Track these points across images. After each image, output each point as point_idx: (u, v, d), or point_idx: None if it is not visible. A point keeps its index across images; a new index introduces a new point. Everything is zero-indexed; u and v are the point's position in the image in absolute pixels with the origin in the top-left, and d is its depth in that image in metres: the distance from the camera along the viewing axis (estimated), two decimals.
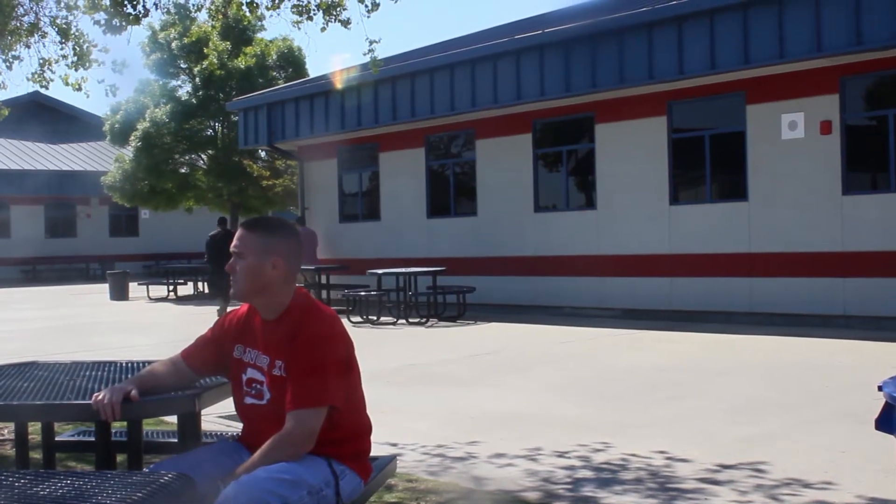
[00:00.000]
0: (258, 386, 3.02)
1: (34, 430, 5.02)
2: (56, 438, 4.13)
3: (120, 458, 3.83)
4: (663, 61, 12.71)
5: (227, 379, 3.21)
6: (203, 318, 15.21)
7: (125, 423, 3.53)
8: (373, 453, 3.21)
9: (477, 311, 14.86)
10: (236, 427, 3.97)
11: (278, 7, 8.22)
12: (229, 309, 3.75)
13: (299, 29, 8.12)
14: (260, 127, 19.16)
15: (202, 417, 3.47)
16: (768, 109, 12.41)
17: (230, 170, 24.42)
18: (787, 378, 8.06)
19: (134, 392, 3.00)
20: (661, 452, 5.36)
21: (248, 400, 3.06)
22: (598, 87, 13.51)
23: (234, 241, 3.07)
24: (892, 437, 2.74)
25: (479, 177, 16.10)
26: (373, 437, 3.17)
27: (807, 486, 4.60)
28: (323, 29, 8.20)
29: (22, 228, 33.58)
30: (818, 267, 11.98)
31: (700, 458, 5.21)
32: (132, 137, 24.41)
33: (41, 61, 8.95)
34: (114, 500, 2.06)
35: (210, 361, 3.18)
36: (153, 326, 14.76)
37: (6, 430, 6.15)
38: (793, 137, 12.20)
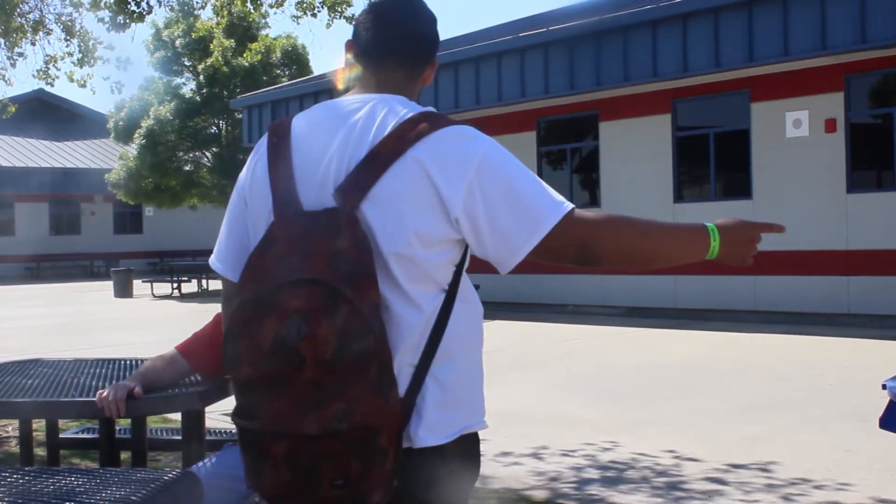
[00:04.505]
0: None
1: (38, 427, 5.02)
2: (60, 436, 4.12)
3: (124, 455, 3.82)
4: (667, 59, 12.68)
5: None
6: (207, 316, 15.17)
7: (129, 421, 3.52)
8: None
9: None
10: None
11: (282, 5, 8.23)
12: None
13: (298, 24, 8.14)
14: (264, 124, 19.13)
15: (206, 415, 3.46)
16: (773, 107, 12.38)
17: (234, 167, 24.43)
18: (791, 376, 8.04)
19: (138, 389, 2.99)
20: (669, 451, 5.35)
21: None
22: (603, 84, 13.48)
23: None
24: None
25: None
26: None
27: (814, 486, 4.59)
28: (328, 25, 8.19)
29: (26, 226, 33.60)
30: (822, 265, 11.95)
31: (707, 457, 5.19)
32: (136, 135, 24.44)
33: (46, 58, 8.99)
34: (117, 498, 2.05)
35: (208, 358, 3.16)
36: (157, 324, 14.76)
37: (10, 428, 6.15)
38: (797, 135, 12.17)
